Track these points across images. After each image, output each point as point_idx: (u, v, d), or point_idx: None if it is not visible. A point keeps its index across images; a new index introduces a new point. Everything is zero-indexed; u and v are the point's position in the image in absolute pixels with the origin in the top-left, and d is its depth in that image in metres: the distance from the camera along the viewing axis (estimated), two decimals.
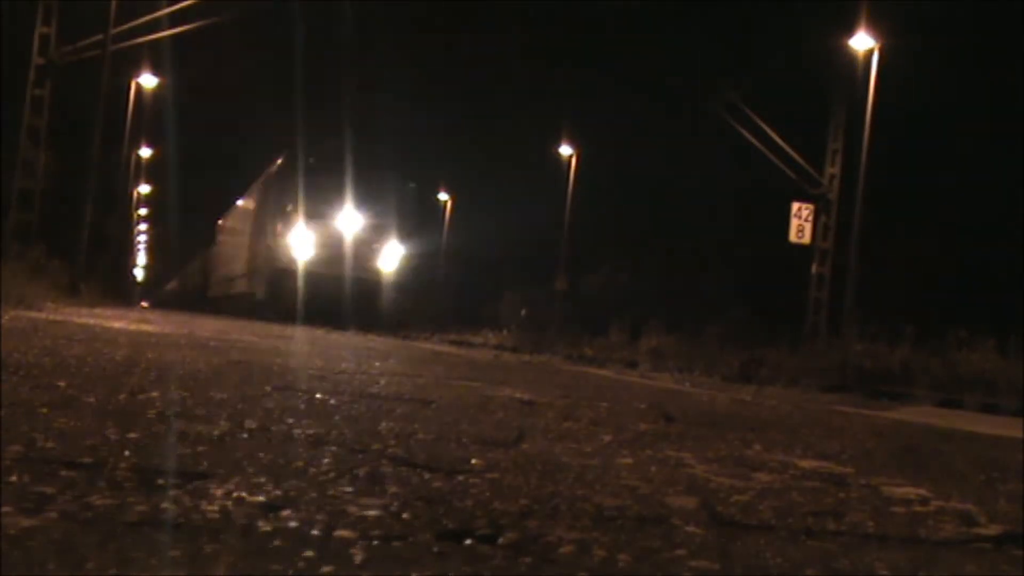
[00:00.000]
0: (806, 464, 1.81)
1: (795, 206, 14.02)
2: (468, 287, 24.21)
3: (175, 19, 19.25)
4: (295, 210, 18.35)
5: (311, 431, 1.71)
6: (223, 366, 3.25)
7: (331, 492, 1.16)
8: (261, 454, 1.41)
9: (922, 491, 1.56)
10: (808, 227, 14.06)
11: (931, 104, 15.48)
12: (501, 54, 18.81)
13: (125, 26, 19.21)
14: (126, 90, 26.79)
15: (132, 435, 1.48)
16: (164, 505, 1.02)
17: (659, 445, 1.93)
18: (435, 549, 0.93)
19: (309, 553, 0.87)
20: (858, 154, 12.41)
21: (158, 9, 19.03)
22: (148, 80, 26.46)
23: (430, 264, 23.25)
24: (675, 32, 16.40)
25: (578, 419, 2.35)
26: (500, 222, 22.81)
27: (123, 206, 32.35)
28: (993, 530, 1.26)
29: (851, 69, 13.36)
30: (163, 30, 20.05)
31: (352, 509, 1.07)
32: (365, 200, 17.64)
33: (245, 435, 1.59)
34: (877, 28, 12.82)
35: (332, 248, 17.60)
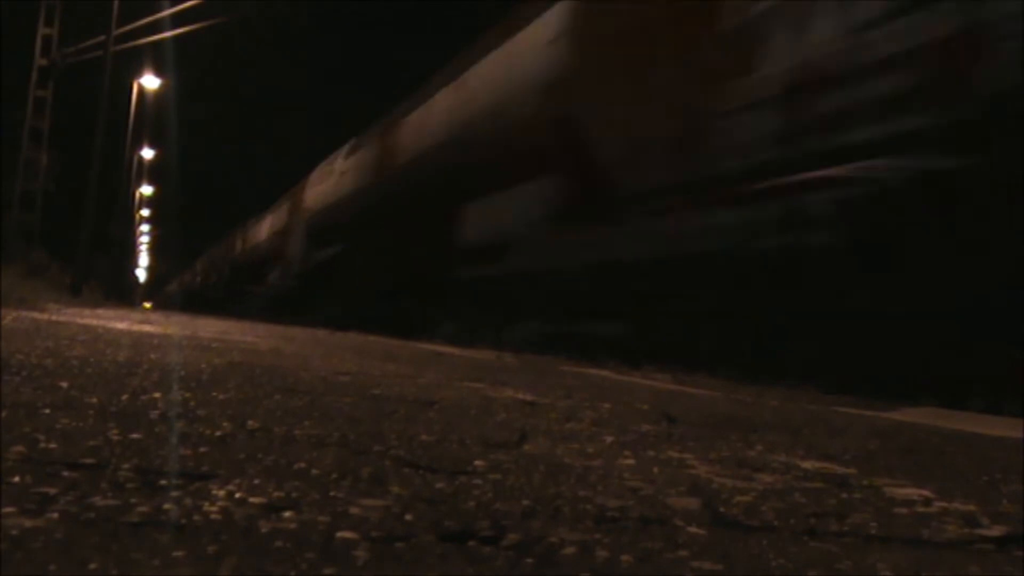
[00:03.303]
0: (808, 465, 1.81)
1: None
2: None
3: (177, 20, 19.29)
4: None
5: (313, 432, 1.71)
6: (225, 367, 3.25)
7: (333, 493, 1.16)
8: (263, 455, 1.41)
9: (925, 492, 1.56)
10: None
11: None
12: None
13: (127, 27, 19.26)
14: (128, 91, 26.84)
15: (134, 436, 1.48)
16: (166, 506, 1.02)
17: (661, 446, 1.93)
18: (437, 550, 0.93)
19: (311, 554, 0.87)
20: None
21: (160, 10, 19.07)
22: (150, 81, 26.55)
23: None
24: None
25: (580, 420, 2.35)
26: None
27: (125, 207, 32.38)
28: (996, 531, 1.26)
29: None
30: (165, 31, 20.10)
31: (354, 510, 1.07)
32: None
33: (247, 436, 1.60)
34: None
35: None
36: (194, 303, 37.68)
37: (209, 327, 8.91)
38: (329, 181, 18.71)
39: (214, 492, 1.11)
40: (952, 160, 4.70)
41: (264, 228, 26.99)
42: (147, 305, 43.73)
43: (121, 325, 7.20)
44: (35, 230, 19.09)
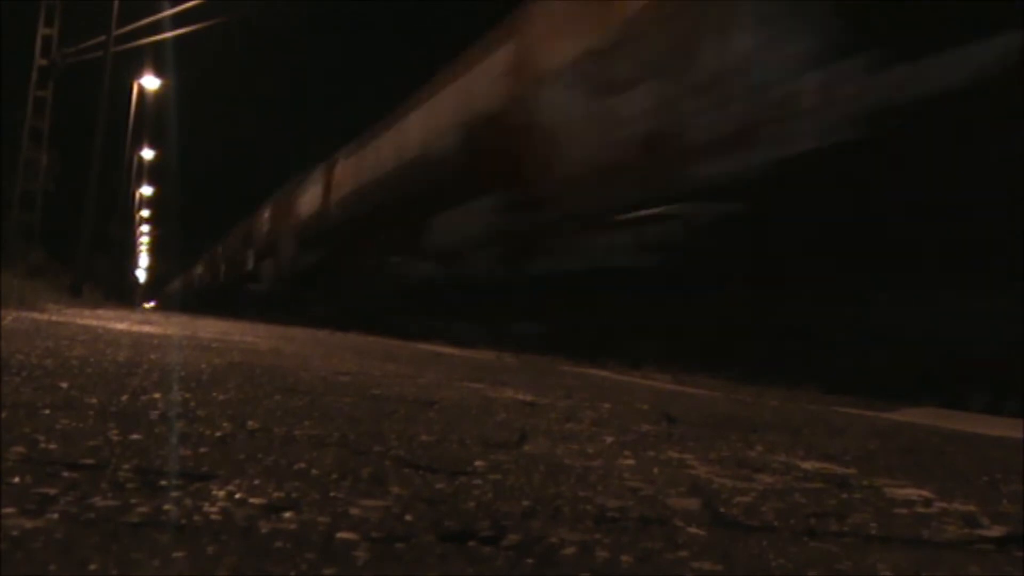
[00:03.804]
0: (808, 465, 1.81)
1: None
2: None
3: (177, 20, 19.29)
4: None
5: (313, 432, 1.71)
6: (225, 367, 3.25)
7: (333, 493, 1.16)
8: (263, 455, 1.41)
9: (925, 492, 1.56)
10: None
11: None
12: None
13: (127, 27, 19.28)
14: (128, 91, 26.85)
15: (134, 436, 1.48)
16: (166, 506, 1.02)
17: (661, 446, 1.93)
18: (437, 550, 0.93)
19: (311, 555, 0.87)
20: None
21: (160, 10, 19.08)
22: (150, 81, 26.57)
23: None
24: None
25: (580, 420, 2.35)
26: None
27: (125, 207, 32.34)
28: (996, 531, 1.26)
29: None
30: (165, 31, 20.11)
31: (354, 510, 1.07)
32: None
33: (247, 436, 1.60)
34: None
35: None
36: (213, 306, 28.36)
37: (209, 327, 8.92)
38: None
39: (214, 492, 1.11)
40: None
41: (366, 161, 15.66)
42: (147, 305, 43.76)
43: (121, 325, 7.20)
44: (35, 230, 19.10)
